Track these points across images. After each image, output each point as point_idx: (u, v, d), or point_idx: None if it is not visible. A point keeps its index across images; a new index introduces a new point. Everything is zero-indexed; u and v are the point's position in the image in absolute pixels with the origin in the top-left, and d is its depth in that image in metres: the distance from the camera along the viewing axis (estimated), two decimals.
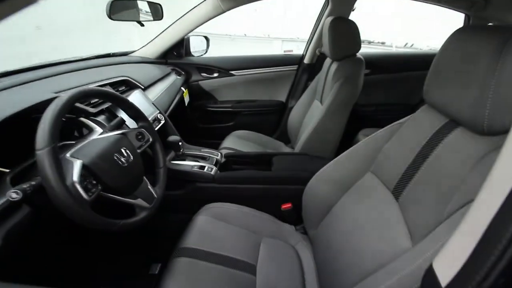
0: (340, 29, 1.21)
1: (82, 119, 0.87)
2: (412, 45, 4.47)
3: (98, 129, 0.82)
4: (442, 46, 0.62)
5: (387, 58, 1.92)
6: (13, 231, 0.57)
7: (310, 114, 1.56)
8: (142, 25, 1.03)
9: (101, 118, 0.92)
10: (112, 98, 0.76)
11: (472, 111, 0.52)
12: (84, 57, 1.41)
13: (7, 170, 0.62)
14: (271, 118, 1.96)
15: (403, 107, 1.84)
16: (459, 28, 0.60)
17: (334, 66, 1.31)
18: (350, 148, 0.90)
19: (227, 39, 6.99)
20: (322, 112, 1.28)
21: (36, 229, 0.68)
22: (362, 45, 1.29)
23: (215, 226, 0.98)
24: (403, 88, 1.87)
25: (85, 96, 0.66)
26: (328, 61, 1.44)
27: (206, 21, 1.59)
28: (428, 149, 0.65)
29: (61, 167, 0.55)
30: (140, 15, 1.03)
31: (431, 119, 0.68)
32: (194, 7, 1.54)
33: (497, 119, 0.49)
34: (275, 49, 6.45)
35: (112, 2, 0.84)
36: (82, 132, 0.86)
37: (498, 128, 0.49)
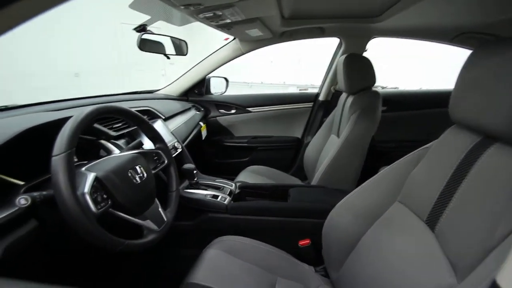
0: (354, 63, 1.26)
1: (102, 141, 0.90)
2: None
3: (117, 152, 0.84)
4: (466, 62, 0.60)
5: (404, 96, 1.93)
6: (16, 245, 0.54)
7: (327, 149, 1.54)
8: (168, 58, 1.12)
9: (120, 142, 0.94)
10: (133, 117, 0.79)
11: (509, 122, 0.48)
12: (112, 94, 1.54)
13: (22, 183, 0.62)
14: (286, 154, 1.94)
15: (423, 145, 1.78)
16: (482, 44, 0.59)
17: (350, 99, 1.32)
18: (374, 177, 0.84)
19: (245, 86, 7.49)
20: (339, 144, 1.25)
21: (39, 247, 0.65)
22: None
23: (227, 261, 0.90)
24: (421, 125, 1.83)
25: (106, 112, 0.68)
26: (343, 96, 1.47)
27: (226, 63, 1.72)
28: (462, 171, 0.59)
29: (74, 175, 0.54)
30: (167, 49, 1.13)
31: (461, 138, 0.63)
32: (216, 51, 1.68)
33: None
34: None
35: (141, 36, 0.94)
36: (100, 154, 0.88)
37: None
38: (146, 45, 0.98)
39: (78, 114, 0.60)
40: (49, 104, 1.04)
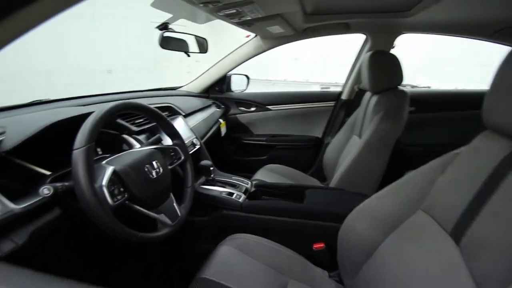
0: (379, 61, 1.19)
1: (125, 135, 0.94)
2: None
3: (137, 146, 0.87)
4: (504, 60, 0.54)
5: (434, 96, 1.81)
6: (41, 231, 0.58)
7: (347, 150, 1.48)
8: (189, 55, 1.14)
9: (141, 137, 0.98)
10: (151, 114, 0.81)
11: None
12: (137, 90, 1.60)
13: (49, 173, 0.67)
14: (306, 154, 1.91)
15: (452, 149, 1.65)
16: None
17: (374, 99, 1.25)
18: (396, 181, 0.79)
19: (267, 84, 7.45)
20: (361, 146, 1.20)
21: (61, 235, 0.69)
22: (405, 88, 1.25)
23: (239, 259, 0.90)
24: (452, 128, 1.69)
25: (125, 108, 0.71)
26: (367, 95, 1.40)
27: (247, 60, 1.71)
28: (494, 181, 0.54)
29: (92, 168, 0.57)
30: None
31: (495, 145, 0.57)
32: (237, 48, 1.68)
33: None
34: None
35: (163, 34, 0.96)
36: (122, 147, 0.92)
37: None
38: (167, 43, 1.00)
39: (98, 111, 0.63)
40: (78, 99, 1.11)
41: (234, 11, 0.86)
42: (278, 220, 1.05)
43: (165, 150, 0.83)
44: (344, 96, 1.80)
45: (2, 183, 0.59)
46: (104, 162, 0.67)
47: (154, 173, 0.71)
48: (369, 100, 1.33)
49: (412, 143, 1.66)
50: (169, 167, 0.82)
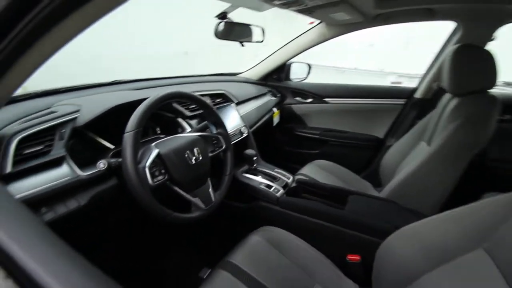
0: (466, 57, 0.95)
1: (179, 119, 1.03)
2: None
3: (188, 129, 0.95)
4: None
5: None
6: (99, 196, 0.70)
7: (412, 157, 1.29)
8: (243, 45, 1.14)
9: (193, 122, 1.05)
10: (197, 102, 0.85)
11: None
12: (201, 74, 1.71)
13: (113, 146, 0.78)
14: (362, 154, 1.75)
15: None
16: None
17: (454, 102, 1.04)
18: (459, 208, 0.66)
19: (335, 71, 6.94)
20: (428, 155, 1.03)
21: (116, 202, 0.81)
22: (497, 87, 0.98)
23: (268, 251, 0.91)
24: None
25: (172, 97, 0.76)
26: (447, 96, 1.17)
27: (309, 48, 1.62)
28: None
29: (138, 150, 0.64)
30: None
31: None
32: (299, 36, 1.60)
33: None
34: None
35: (218, 24, 0.98)
36: (177, 130, 1.01)
37: None
38: (223, 33, 1.01)
39: (148, 100, 0.70)
40: (146, 81, 1.25)
41: None
42: (313, 221, 1.01)
43: (208, 138, 0.88)
44: (418, 94, 1.55)
45: (77, 151, 0.72)
46: (154, 144, 0.75)
47: (193, 160, 0.77)
48: (448, 103, 1.11)
49: (501, 158, 1.34)
50: (210, 154, 0.87)
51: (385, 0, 1.06)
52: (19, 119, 0.67)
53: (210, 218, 0.88)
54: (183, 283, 1.10)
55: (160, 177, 0.69)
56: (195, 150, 0.79)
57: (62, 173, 0.65)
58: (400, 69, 5.53)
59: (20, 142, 0.60)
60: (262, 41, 1.17)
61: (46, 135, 0.66)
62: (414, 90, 1.58)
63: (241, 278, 0.81)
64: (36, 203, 0.59)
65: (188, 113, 1.05)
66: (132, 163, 0.61)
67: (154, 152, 0.70)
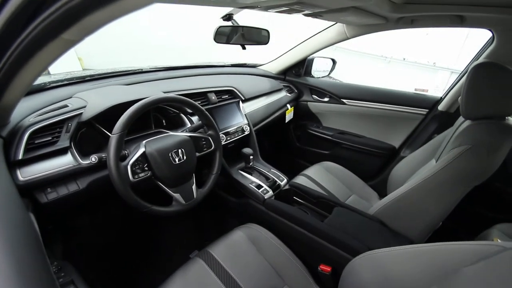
0: (486, 77, 0.84)
1: (182, 114, 1.10)
2: None
3: (188, 125, 1.03)
4: None
5: None
6: (95, 182, 0.82)
7: (418, 174, 1.21)
8: (244, 48, 1.14)
9: (194, 118, 1.12)
10: (189, 105, 0.91)
11: None
12: (222, 64, 1.76)
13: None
14: (373, 162, 1.67)
15: None
16: None
17: (465, 124, 0.94)
18: (427, 244, 0.63)
19: (381, 60, 6.41)
20: (425, 176, 0.97)
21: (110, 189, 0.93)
22: None
23: (246, 248, 0.98)
24: None
25: (159, 102, 0.82)
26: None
27: (328, 46, 1.56)
28: None
29: (121, 150, 0.73)
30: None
31: None
32: (319, 32, 1.54)
33: None
34: (439, 81, 5.27)
35: (217, 28, 0.99)
36: (181, 124, 1.10)
37: None
38: (221, 37, 1.02)
39: (135, 105, 0.77)
40: (164, 71, 1.34)
41: (285, 8, 0.79)
42: (293, 227, 1.04)
43: (197, 139, 0.94)
44: (441, 107, 1.41)
45: (85, 140, 0.84)
46: (144, 141, 0.84)
47: (176, 160, 0.84)
48: (462, 123, 1.01)
49: None
50: (198, 154, 0.93)
51: (403, 4, 0.97)
52: (36, 111, 0.80)
53: (208, 206, 0.94)
54: (173, 260, 1.24)
55: (143, 174, 0.78)
56: (179, 150, 0.86)
57: (66, 161, 0.77)
58: (455, 65, 4.89)
59: (33, 132, 0.73)
60: (267, 43, 1.16)
61: (56, 127, 0.78)
62: (438, 101, 1.44)
63: (214, 267, 0.89)
64: (42, 184, 0.73)
65: (189, 110, 1.12)
66: (113, 162, 0.71)
67: (140, 151, 0.79)
